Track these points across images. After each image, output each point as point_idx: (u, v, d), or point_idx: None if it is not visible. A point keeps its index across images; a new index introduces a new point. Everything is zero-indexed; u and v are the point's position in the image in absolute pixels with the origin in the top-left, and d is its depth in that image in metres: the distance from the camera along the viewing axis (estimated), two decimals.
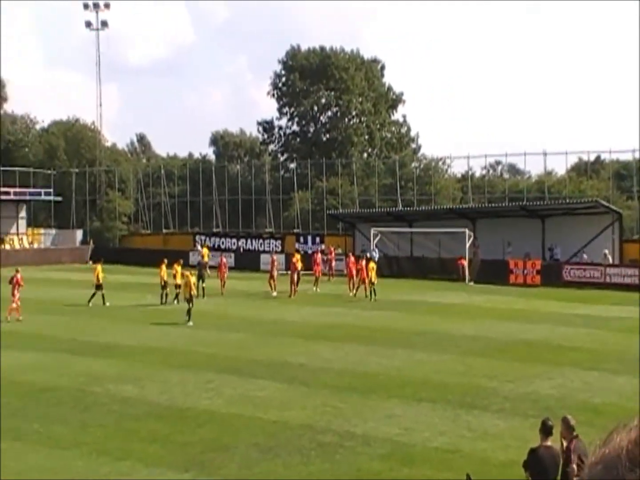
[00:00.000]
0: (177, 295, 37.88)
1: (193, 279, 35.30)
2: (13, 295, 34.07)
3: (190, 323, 32.06)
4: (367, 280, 40.50)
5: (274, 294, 41.62)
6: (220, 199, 73.95)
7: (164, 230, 74.11)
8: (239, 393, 20.11)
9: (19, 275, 35.12)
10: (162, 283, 38.99)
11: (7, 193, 71.03)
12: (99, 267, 39.68)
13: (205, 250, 55.07)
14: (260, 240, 65.03)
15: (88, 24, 78.56)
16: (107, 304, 37.90)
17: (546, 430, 10.44)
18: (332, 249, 55.33)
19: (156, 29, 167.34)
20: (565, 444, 10.41)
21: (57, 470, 14.24)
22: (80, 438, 16.25)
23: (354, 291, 41.98)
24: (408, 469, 14.34)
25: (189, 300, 33.10)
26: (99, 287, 38.55)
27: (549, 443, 10.41)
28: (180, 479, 13.87)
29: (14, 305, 33.87)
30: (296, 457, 14.88)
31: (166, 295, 38.67)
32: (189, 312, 32.49)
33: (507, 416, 17.81)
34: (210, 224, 73.40)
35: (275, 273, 43.07)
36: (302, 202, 71.08)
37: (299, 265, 43.29)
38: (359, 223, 60.35)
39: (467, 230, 50.46)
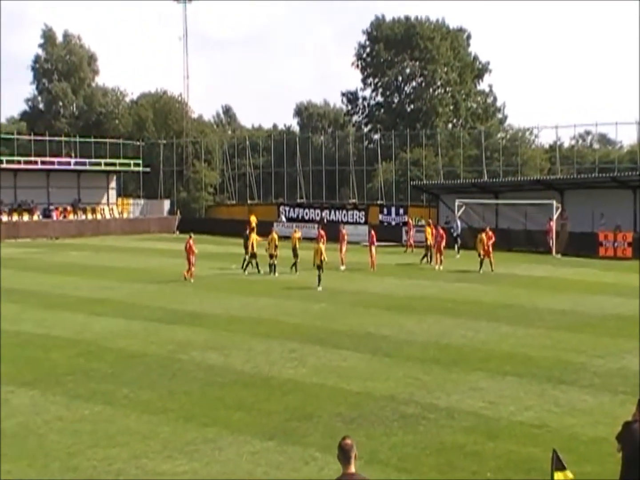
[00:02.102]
0: (271, 266, 38.62)
1: (322, 246, 35.81)
2: (188, 260, 36.58)
3: (320, 288, 33.43)
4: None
5: (342, 267, 40.86)
6: (304, 170, 74.18)
7: (249, 201, 74.73)
8: (323, 363, 20.20)
9: (191, 242, 37.23)
10: (252, 252, 39.20)
11: (98, 164, 72.60)
12: (253, 235, 40.51)
13: (252, 218, 56.75)
14: (344, 211, 65.04)
15: None
16: (261, 271, 38.89)
17: None
18: (411, 221, 55.07)
19: (239, 3, 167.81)
20: None
21: (146, 434, 14.54)
22: (168, 404, 16.55)
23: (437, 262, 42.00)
24: (492, 442, 14.19)
25: (319, 266, 34.32)
26: (253, 255, 39.39)
27: None
28: (265, 446, 14.01)
29: (192, 268, 36.53)
30: (379, 428, 14.89)
31: (257, 264, 38.92)
32: (319, 277, 33.88)
33: (596, 392, 17.47)
34: (294, 195, 73.74)
35: (344, 247, 42.54)
36: (385, 173, 70.78)
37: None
38: (443, 194, 59.84)
39: (554, 202, 49.59)
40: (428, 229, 44.54)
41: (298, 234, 41.44)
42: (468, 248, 48.09)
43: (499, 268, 40.38)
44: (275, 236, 39.53)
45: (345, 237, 43.92)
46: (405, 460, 13.40)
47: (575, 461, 12.62)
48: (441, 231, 42.51)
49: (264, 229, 56.75)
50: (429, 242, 43.70)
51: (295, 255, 39.74)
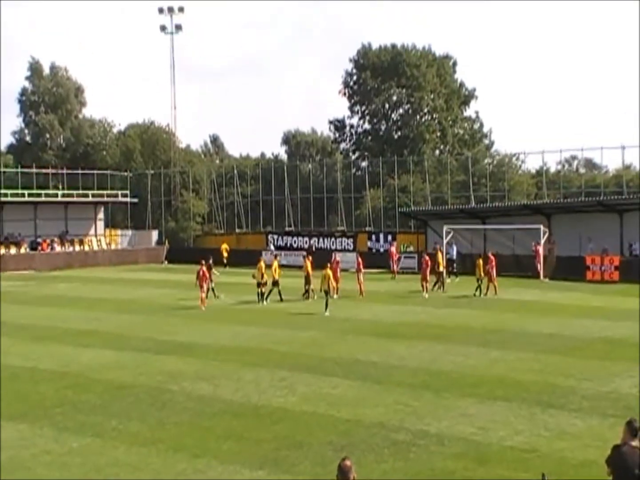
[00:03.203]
0: (266, 293, 38.64)
1: (330, 272, 36.47)
2: (201, 287, 37.23)
3: (327, 313, 34.12)
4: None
5: (335, 296, 40.20)
6: (292, 198, 74.29)
7: (237, 230, 74.78)
8: (312, 390, 20.17)
9: (204, 269, 37.92)
10: (261, 281, 38.97)
11: (86, 195, 72.55)
12: (275, 262, 40.87)
13: (224, 246, 57.87)
14: (333, 239, 65.14)
15: (163, 28, 79.85)
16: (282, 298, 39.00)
17: (632, 431, 10.20)
18: (394, 247, 55.31)
19: (226, 33, 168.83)
20: None
21: (135, 466, 14.48)
22: (157, 435, 16.49)
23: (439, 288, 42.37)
24: (483, 468, 14.18)
25: (327, 292, 35.33)
26: (275, 283, 39.48)
27: (634, 443, 10.17)
28: (255, 475, 13.96)
29: (203, 295, 37.23)
30: (369, 456, 14.86)
31: (262, 293, 38.84)
32: (326, 303, 34.74)
33: (585, 415, 17.48)
34: (282, 223, 73.80)
35: (339, 275, 42.45)
36: (373, 200, 70.96)
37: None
38: (432, 220, 60.00)
39: (542, 227, 49.78)
40: (439, 255, 44.47)
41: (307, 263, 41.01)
42: (457, 274, 48.28)
43: (488, 292, 40.45)
44: (263, 265, 39.54)
45: (340, 264, 44.00)
46: None
47: None
48: (426, 258, 42.42)
49: (253, 258, 56.92)
50: (441, 269, 43.77)
51: (307, 282, 40.09)
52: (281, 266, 46.40)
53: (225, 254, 62.43)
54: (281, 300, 39.12)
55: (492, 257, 41.29)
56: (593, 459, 13.77)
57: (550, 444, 15.44)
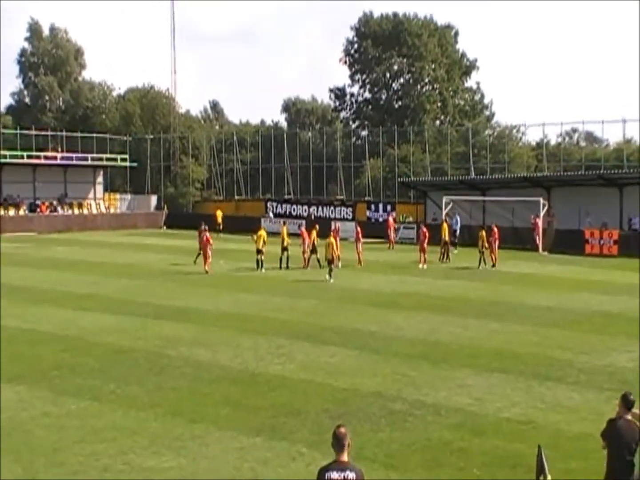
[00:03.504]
0: (258, 262, 38.68)
1: (334, 241, 36.77)
2: (205, 252, 37.73)
3: (332, 281, 34.56)
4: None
5: (339, 266, 39.76)
6: (292, 166, 74.11)
7: (236, 197, 74.67)
8: (310, 359, 20.22)
9: (207, 234, 38.59)
10: (261, 248, 39.03)
11: (85, 159, 72.34)
12: (284, 229, 41.16)
13: (219, 213, 60.09)
14: (331, 208, 65.07)
15: None
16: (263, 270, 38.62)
17: (627, 404, 10.23)
18: (392, 217, 55.52)
19: None
20: None
21: (133, 430, 14.53)
22: (155, 399, 16.54)
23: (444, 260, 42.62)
24: (479, 439, 14.24)
25: (331, 260, 35.55)
26: (284, 249, 39.71)
27: (629, 417, 10.21)
28: (252, 442, 14.01)
29: (209, 260, 37.72)
30: (366, 425, 14.91)
31: (261, 261, 38.81)
32: (330, 270, 35.20)
33: (582, 389, 17.55)
34: (281, 191, 73.71)
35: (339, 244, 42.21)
36: (373, 169, 70.82)
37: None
38: (431, 191, 59.92)
39: (541, 199, 49.71)
40: (444, 225, 44.33)
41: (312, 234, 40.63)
42: (455, 245, 48.25)
43: (487, 265, 40.54)
44: (264, 233, 39.56)
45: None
46: (392, 456, 13.44)
47: (560, 457, 12.71)
48: (424, 229, 42.18)
49: (252, 225, 56.94)
50: (445, 239, 43.61)
51: (314, 251, 39.93)
52: (280, 234, 46.38)
53: (219, 220, 62.47)
54: (287, 267, 39.24)
55: (495, 229, 41.32)
56: (589, 432, 13.84)
57: (546, 416, 15.50)
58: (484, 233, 40.79)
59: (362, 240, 42.64)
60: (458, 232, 50.30)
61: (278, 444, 13.92)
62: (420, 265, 40.64)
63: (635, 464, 9.99)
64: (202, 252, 38.32)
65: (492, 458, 13.31)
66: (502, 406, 16.16)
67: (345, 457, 8.35)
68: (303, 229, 42.04)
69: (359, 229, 43.66)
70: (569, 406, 16.25)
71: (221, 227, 61.24)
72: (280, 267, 39.08)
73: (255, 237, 39.23)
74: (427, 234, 41.41)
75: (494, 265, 40.31)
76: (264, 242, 38.83)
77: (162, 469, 12.75)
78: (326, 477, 8.20)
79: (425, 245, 41.08)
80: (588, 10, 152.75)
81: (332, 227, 44.11)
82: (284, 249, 39.60)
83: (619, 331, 23.92)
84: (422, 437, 14.40)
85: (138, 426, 14.80)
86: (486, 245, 40.59)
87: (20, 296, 30.21)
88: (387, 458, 13.35)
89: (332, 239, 36.82)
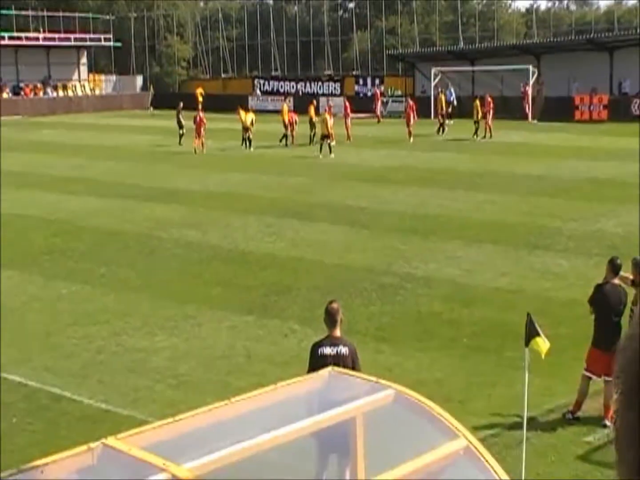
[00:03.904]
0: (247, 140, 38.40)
1: (328, 117, 36.27)
2: (198, 133, 37.48)
3: (332, 155, 34.64)
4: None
5: (333, 143, 39.89)
6: (279, 41, 72.72)
7: (223, 75, 73.49)
8: (300, 236, 20.25)
9: (201, 114, 38.38)
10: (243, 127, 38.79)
11: (68, 39, 70.73)
12: (285, 107, 41.45)
13: (199, 91, 57.66)
14: (319, 83, 64.15)
15: None
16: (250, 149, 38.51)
17: (614, 268, 10.29)
18: (378, 92, 55.16)
19: None
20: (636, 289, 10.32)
21: (125, 312, 14.63)
22: (146, 281, 16.62)
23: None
24: (469, 309, 14.39)
25: (326, 136, 35.24)
26: (286, 127, 39.87)
27: (616, 281, 10.28)
28: (244, 320, 14.14)
29: (202, 140, 37.56)
30: (357, 299, 15.03)
31: (248, 139, 38.54)
32: (329, 146, 35.16)
33: (570, 255, 17.67)
34: (268, 68, 72.51)
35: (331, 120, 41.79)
36: (361, 42, 69.55)
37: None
38: (419, 63, 59.00)
39: (530, 67, 49.03)
40: (440, 97, 44.11)
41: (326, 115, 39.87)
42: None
43: (471, 135, 40.33)
44: (248, 113, 38.96)
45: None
46: (383, 329, 13.59)
47: (549, 324, 12.81)
48: (411, 102, 41.56)
49: (240, 103, 56.16)
50: (442, 112, 43.35)
51: (312, 127, 39.49)
52: (268, 111, 45.99)
53: (200, 99, 61.58)
54: (286, 145, 39.35)
55: (489, 100, 40.86)
56: (578, 297, 13.91)
57: (535, 284, 15.65)
58: (478, 103, 40.35)
59: (350, 115, 42.20)
60: (456, 102, 49.62)
61: (270, 322, 14.05)
62: (411, 140, 39.97)
63: (623, 326, 10.10)
64: (196, 131, 37.83)
65: (482, 328, 13.48)
66: (492, 276, 16.29)
67: (337, 333, 8.43)
68: (290, 112, 41.53)
69: (347, 103, 43.15)
70: (557, 273, 16.39)
71: (200, 106, 60.37)
72: (249, 147, 38.45)
73: (242, 114, 38.76)
74: (413, 107, 40.85)
75: (490, 136, 40.00)
76: (252, 122, 38.38)
77: (155, 349, 12.89)
78: (319, 353, 8.28)
79: (411, 118, 40.33)
80: None
81: (327, 103, 43.45)
82: (286, 127, 39.61)
83: (607, 197, 23.96)
84: (413, 309, 14.55)
85: (130, 308, 14.90)
86: (480, 115, 40.20)
87: (6, 180, 29.88)
88: (378, 331, 13.51)
89: (327, 115, 36.42)
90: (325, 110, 38.36)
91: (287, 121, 39.70)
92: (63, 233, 21.32)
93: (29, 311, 14.88)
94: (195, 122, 38.11)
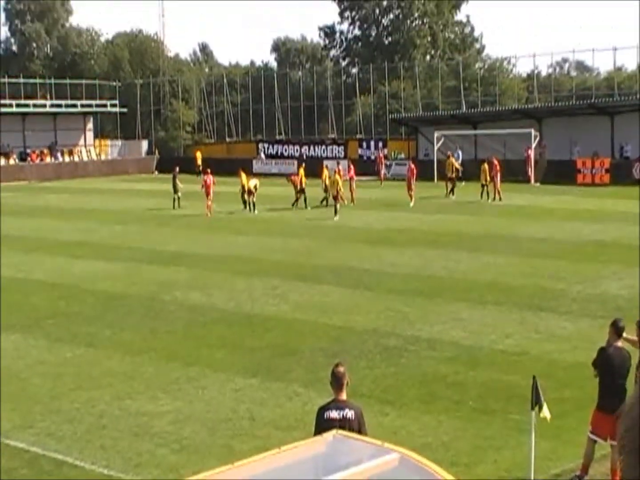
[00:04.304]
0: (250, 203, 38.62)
1: (339, 178, 37.21)
2: (207, 195, 38.29)
3: (336, 218, 34.92)
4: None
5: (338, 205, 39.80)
6: (283, 106, 73.50)
7: (228, 139, 74.17)
8: (305, 299, 20.26)
9: (210, 177, 39.31)
10: (243, 190, 39.13)
11: (75, 105, 71.61)
12: (301, 171, 41.34)
13: (198, 154, 62.37)
14: (323, 147, 64.71)
15: None
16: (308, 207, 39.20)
17: (617, 331, 10.26)
18: (381, 155, 55.74)
19: None
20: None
21: (129, 375, 14.59)
22: (151, 344, 16.59)
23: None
24: (474, 371, 14.33)
25: (335, 197, 35.89)
26: (301, 190, 40.00)
27: (619, 344, 10.25)
28: (248, 383, 14.09)
29: (209, 203, 38.27)
30: (362, 361, 14.99)
31: (252, 203, 38.70)
32: (335, 208, 35.54)
33: (575, 318, 17.64)
34: (273, 132, 73.16)
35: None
36: (364, 107, 70.27)
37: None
38: (422, 127, 59.52)
39: (532, 131, 49.45)
40: (450, 161, 43.91)
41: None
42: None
43: (479, 198, 40.52)
44: (244, 177, 39.36)
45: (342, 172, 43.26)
46: (388, 392, 13.53)
47: (554, 387, 12.80)
48: (412, 166, 41.54)
49: (244, 166, 56.60)
50: (451, 175, 43.22)
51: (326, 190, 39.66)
52: (273, 174, 46.29)
53: (198, 162, 63.28)
54: (306, 207, 39.39)
55: (496, 163, 41.20)
56: (582, 360, 13.86)
57: (540, 347, 15.59)
58: (486, 166, 40.70)
59: (355, 178, 42.52)
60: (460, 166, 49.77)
61: (274, 384, 13.99)
62: (411, 204, 39.45)
63: (628, 389, 10.07)
64: (205, 194, 38.59)
65: (487, 390, 13.41)
66: (497, 338, 16.25)
67: (343, 396, 8.40)
68: (294, 176, 41.99)
69: (352, 166, 43.42)
70: (562, 335, 16.34)
71: (200, 168, 61.51)
72: (253, 210, 38.59)
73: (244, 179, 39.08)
74: (414, 171, 40.79)
75: (500, 199, 40.23)
76: (255, 187, 38.67)
77: (158, 413, 12.82)
78: (325, 416, 8.23)
79: (412, 182, 40.07)
80: None
81: (337, 166, 43.41)
82: (301, 190, 39.67)
83: (611, 259, 23.98)
84: (418, 371, 14.49)
85: (134, 371, 14.86)
86: (488, 178, 40.50)
87: (13, 245, 30.10)
88: (383, 393, 13.45)
89: (338, 177, 37.15)
90: (335, 172, 38.60)
91: (303, 184, 39.79)
92: (68, 297, 21.35)
93: (33, 375, 14.84)
94: (203, 185, 38.78)
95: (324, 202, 39.70)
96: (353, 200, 40.90)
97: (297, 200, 40.05)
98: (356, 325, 17.55)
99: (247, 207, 38.67)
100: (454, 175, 43.37)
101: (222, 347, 16.27)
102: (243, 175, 39.65)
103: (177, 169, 42.53)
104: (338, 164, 46.15)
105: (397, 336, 16.59)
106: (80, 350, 16.35)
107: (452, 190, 43.06)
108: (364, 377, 14.07)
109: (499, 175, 40.85)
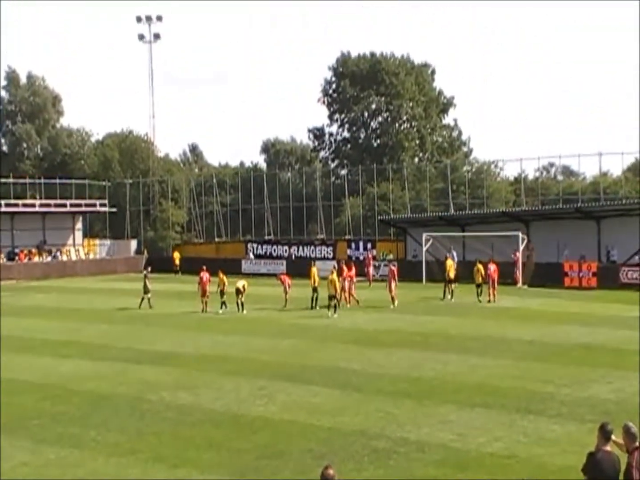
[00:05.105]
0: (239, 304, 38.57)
1: (335, 277, 37.57)
2: (204, 292, 39.49)
3: (336, 315, 35.89)
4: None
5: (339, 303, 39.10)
6: (272, 206, 74.26)
7: (217, 239, 74.61)
8: (293, 399, 20.15)
9: (207, 275, 40.24)
10: (222, 290, 39.16)
11: (64, 205, 72.12)
12: (314, 270, 40.47)
13: (176, 254, 66.19)
14: (312, 247, 65.11)
15: (141, 37, 79.41)
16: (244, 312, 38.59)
17: (605, 435, 10.23)
18: (370, 256, 56.40)
19: (207, 39, 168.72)
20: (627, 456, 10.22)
21: (114, 477, 14.43)
22: (137, 445, 16.41)
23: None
24: (463, 474, 14.22)
25: (333, 296, 36.64)
26: (314, 289, 39.31)
27: (608, 448, 10.21)
28: None
29: (205, 300, 39.39)
30: (350, 464, 14.85)
31: (224, 303, 38.74)
32: (334, 306, 36.46)
33: (564, 421, 17.57)
34: (262, 232, 73.72)
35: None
36: (353, 208, 71.05)
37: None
38: (411, 228, 60.09)
39: (520, 233, 49.96)
40: (448, 262, 43.72)
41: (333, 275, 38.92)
42: (436, 280, 48.16)
43: (466, 299, 40.71)
44: (223, 277, 39.56)
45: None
46: None
47: None
48: (392, 268, 41.56)
49: (232, 267, 57.04)
50: (450, 277, 42.96)
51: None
52: (262, 274, 46.30)
53: (177, 262, 64.97)
54: (313, 307, 38.91)
55: (494, 264, 41.54)
56: (571, 464, 13.78)
57: (529, 450, 15.49)
58: (480, 267, 41.00)
59: (354, 279, 42.37)
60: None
61: None
62: (391, 306, 39.14)
63: None
64: (201, 291, 39.64)
65: None
66: (485, 441, 16.14)
67: None
68: (282, 275, 42.20)
69: (345, 267, 42.89)
70: (551, 439, 16.25)
71: (178, 268, 64.88)
72: (312, 308, 38.73)
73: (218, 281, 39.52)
74: (394, 272, 40.80)
75: (494, 301, 40.52)
76: (225, 285, 38.97)
77: None
78: None
79: (392, 284, 39.89)
80: (561, 44, 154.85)
81: (339, 267, 43.25)
82: (314, 289, 39.16)
83: (599, 363, 23.99)
84: (406, 474, 14.36)
85: (119, 473, 14.68)
86: (483, 278, 40.79)
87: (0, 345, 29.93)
88: None
89: (334, 276, 37.36)
90: (332, 271, 38.76)
91: (316, 284, 39.19)
92: (53, 397, 21.17)
93: (16, 477, 14.62)
94: (200, 282, 39.69)
95: (314, 303, 39.51)
96: (348, 301, 40.55)
97: (316, 299, 39.31)
98: (344, 426, 17.43)
99: (224, 307, 38.77)
100: (451, 277, 43.15)
101: (209, 448, 16.11)
102: (221, 275, 39.89)
103: (149, 269, 43.01)
104: (339, 262, 46.40)
105: (386, 438, 16.47)
106: (64, 451, 16.15)
107: (449, 292, 42.70)
108: (353, 479, 13.92)
109: (496, 276, 41.12)
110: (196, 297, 40.53)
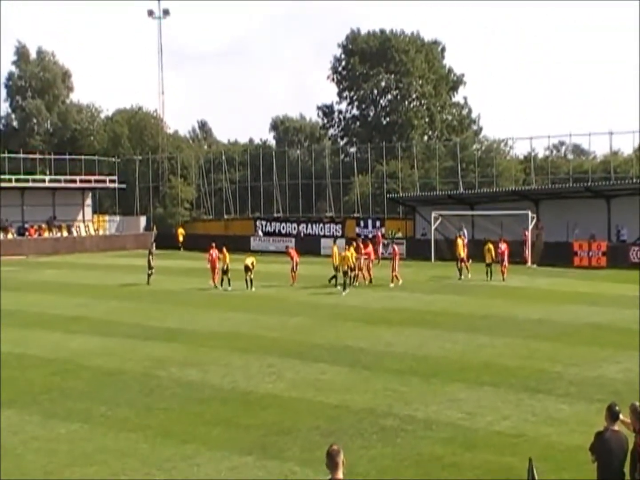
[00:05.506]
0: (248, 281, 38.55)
1: (349, 254, 37.54)
2: (213, 269, 39.75)
3: (345, 292, 36.18)
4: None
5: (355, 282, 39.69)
6: (281, 184, 74.21)
7: (225, 216, 74.65)
8: (301, 377, 20.21)
9: (215, 252, 40.29)
10: (225, 268, 39.28)
11: (74, 181, 72.26)
12: (335, 248, 40.14)
13: (180, 231, 66.54)
14: (321, 225, 65.13)
15: (150, 13, 79.13)
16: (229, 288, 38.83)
17: (612, 415, 10.25)
18: (379, 234, 56.57)
19: (216, 15, 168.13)
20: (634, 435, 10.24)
21: (123, 452, 14.50)
22: (146, 421, 16.50)
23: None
24: (470, 453, 14.25)
25: (346, 272, 36.85)
26: (336, 269, 39.04)
27: (616, 427, 10.23)
28: (244, 461, 13.99)
29: (216, 277, 39.51)
30: (357, 441, 14.91)
31: (229, 280, 38.86)
32: (344, 283, 36.58)
33: (572, 400, 17.59)
34: (270, 209, 73.71)
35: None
36: (362, 186, 70.93)
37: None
38: (420, 206, 60.03)
39: (529, 212, 49.85)
40: (458, 241, 43.18)
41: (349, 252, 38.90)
42: (445, 259, 48.22)
43: (475, 277, 40.65)
44: (226, 254, 39.71)
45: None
46: (384, 472, 13.43)
47: (552, 470, 12.74)
48: (395, 248, 41.66)
49: (241, 244, 57.19)
50: (462, 256, 42.42)
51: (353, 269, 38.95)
52: (270, 252, 46.30)
53: (180, 238, 66.20)
54: (336, 285, 38.52)
55: (505, 244, 41.47)
56: (579, 444, 13.81)
57: (537, 429, 15.52)
58: (491, 246, 40.91)
59: (372, 257, 42.35)
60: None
61: (269, 463, 13.90)
62: (391, 284, 39.18)
63: (625, 473, 10.03)
64: (211, 269, 40.01)
65: (483, 472, 13.32)
66: (493, 419, 16.18)
67: (340, 475, 8.40)
68: (291, 249, 42.13)
69: (361, 245, 42.57)
70: (559, 418, 16.28)
71: (181, 244, 66.79)
72: (335, 285, 38.47)
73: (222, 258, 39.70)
74: (397, 251, 40.81)
75: (503, 279, 40.47)
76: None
77: None
78: None
79: (395, 263, 39.94)
80: (573, 22, 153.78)
81: (357, 245, 42.96)
82: (336, 268, 38.84)
83: (608, 342, 23.99)
84: (414, 452, 14.41)
85: (128, 448, 14.76)
86: (493, 258, 40.77)
87: (9, 320, 30.09)
88: (379, 474, 13.35)
89: (348, 252, 37.54)
90: (346, 248, 38.79)
91: (338, 262, 38.67)
92: (63, 372, 21.28)
93: (27, 451, 14.74)
94: (209, 260, 40.09)
95: (333, 281, 39.33)
96: (365, 278, 40.35)
97: (354, 278, 39.17)
98: (352, 404, 17.48)
99: (226, 285, 38.83)
100: (463, 256, 42.81)
101: (217, 424, 16.18)
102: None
103: (154, 245, 43.11)
104: (355, 239, 46.39)
105: (393, 416, 16.52)
106: (74, 426, 16.26)
107: (465, 269, 42.34)
108: (360, 457, 13.99)
109: (505, 256, 41.03)
110: (207, 274, 40.64)
